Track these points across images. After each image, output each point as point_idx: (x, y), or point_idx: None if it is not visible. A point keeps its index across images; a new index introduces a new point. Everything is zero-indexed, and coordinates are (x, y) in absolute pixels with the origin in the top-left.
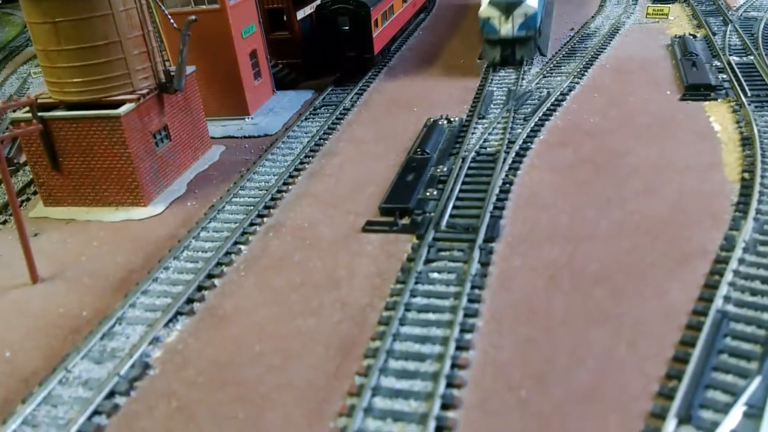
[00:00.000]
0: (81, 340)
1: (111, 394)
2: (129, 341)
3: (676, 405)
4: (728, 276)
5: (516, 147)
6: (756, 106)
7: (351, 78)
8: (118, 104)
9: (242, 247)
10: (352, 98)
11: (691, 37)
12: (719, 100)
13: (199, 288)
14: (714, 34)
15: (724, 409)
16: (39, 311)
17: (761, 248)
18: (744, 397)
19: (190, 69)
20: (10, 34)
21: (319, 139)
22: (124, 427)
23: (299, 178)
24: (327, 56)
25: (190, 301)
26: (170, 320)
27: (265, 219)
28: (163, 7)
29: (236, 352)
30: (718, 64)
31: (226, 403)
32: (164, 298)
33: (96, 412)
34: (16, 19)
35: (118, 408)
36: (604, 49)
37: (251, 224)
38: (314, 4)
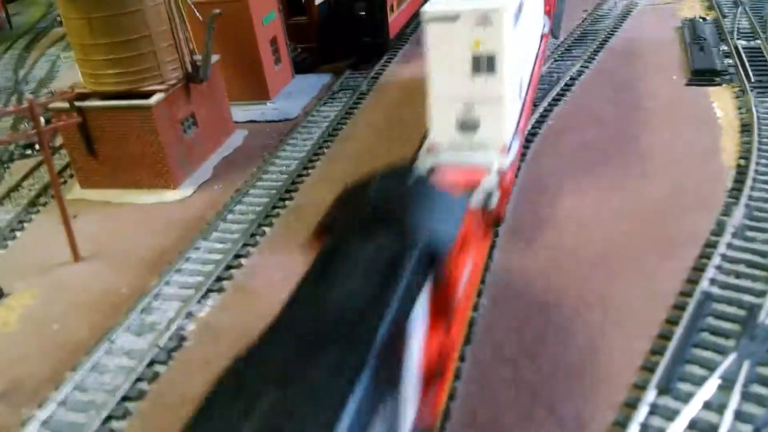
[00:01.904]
0: (122, 315)
1: (151, 363)
2: (166, 316)
3: (656, 377)
4: (715, 260)
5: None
6: (758, 92)
7: (367, 62)
8: (148, 94)
9: (266, 228)
10: (368, 82)
11: (701, 20)
12: (723, 86)
13: (228, 267)
14: (724, 16)
15: (700, 381)
16: (81, 288)
17: (749, 233)
18: (719, 371)
19: (214, 58)
20: (35, 15)
21: (338, 123)
22: (165, 391)
23: (318, 162)
24: (343, 41)
25: (219, 279)
26: (202, 296)
27: (286, 202)
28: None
29: (263, 326)
30: (725, 48)
31: None
32: (196, 277)
33: (139, 379)
34: None
35: (158, 375)
36: (615, 31)
37: (274, 207)
38: None
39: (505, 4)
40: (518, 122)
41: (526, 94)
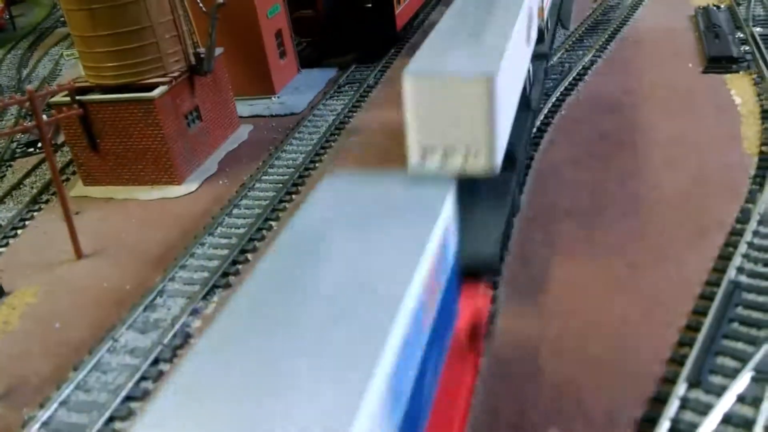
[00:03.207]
0: (125, 312)
1: (156, 362)
2: (170, 313)
3: (686, 370)
4: (742, 248)
5: (537, 123)
6: None
7: (374, 55)
8: (151, 87)
9: (273, 223)
10: (375, 75)
11: (715, 8)
12: (741, 73)
13: (234, 262)
14: (738, 4)
15: (733, 374)
16: (84, 285)
17: None
18: (752, 363)
19: (218, 51)
20: (39, 16)
21: (344, 117)
22: None
23: (326, 156)
24: (349, 33)
25: (225, 274)
26: (208, 293)
27: (293, 196)
28: None
29: None
30: (741, 35)
31: None
32: (201, 273)
33: (143, 378)
34: None
35: (163, 374)
36: (627, 21)
37: (281, 201)
38: None
39: None
40: None
41: None
